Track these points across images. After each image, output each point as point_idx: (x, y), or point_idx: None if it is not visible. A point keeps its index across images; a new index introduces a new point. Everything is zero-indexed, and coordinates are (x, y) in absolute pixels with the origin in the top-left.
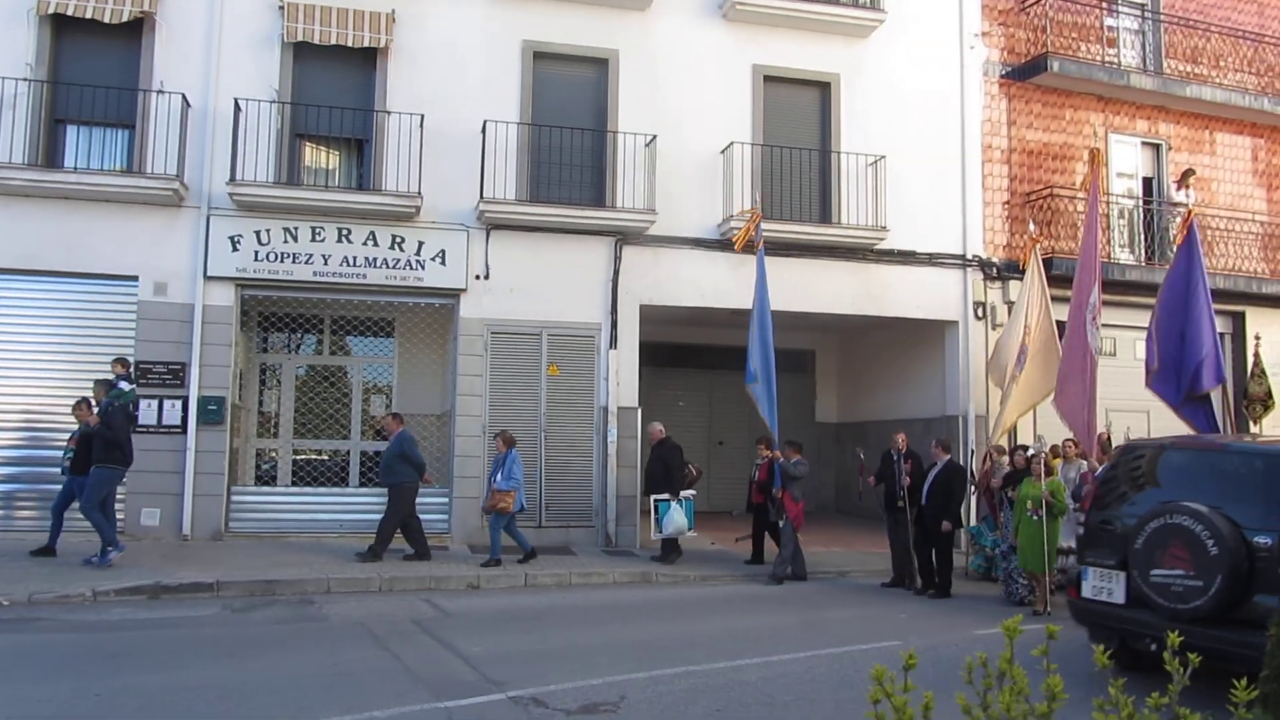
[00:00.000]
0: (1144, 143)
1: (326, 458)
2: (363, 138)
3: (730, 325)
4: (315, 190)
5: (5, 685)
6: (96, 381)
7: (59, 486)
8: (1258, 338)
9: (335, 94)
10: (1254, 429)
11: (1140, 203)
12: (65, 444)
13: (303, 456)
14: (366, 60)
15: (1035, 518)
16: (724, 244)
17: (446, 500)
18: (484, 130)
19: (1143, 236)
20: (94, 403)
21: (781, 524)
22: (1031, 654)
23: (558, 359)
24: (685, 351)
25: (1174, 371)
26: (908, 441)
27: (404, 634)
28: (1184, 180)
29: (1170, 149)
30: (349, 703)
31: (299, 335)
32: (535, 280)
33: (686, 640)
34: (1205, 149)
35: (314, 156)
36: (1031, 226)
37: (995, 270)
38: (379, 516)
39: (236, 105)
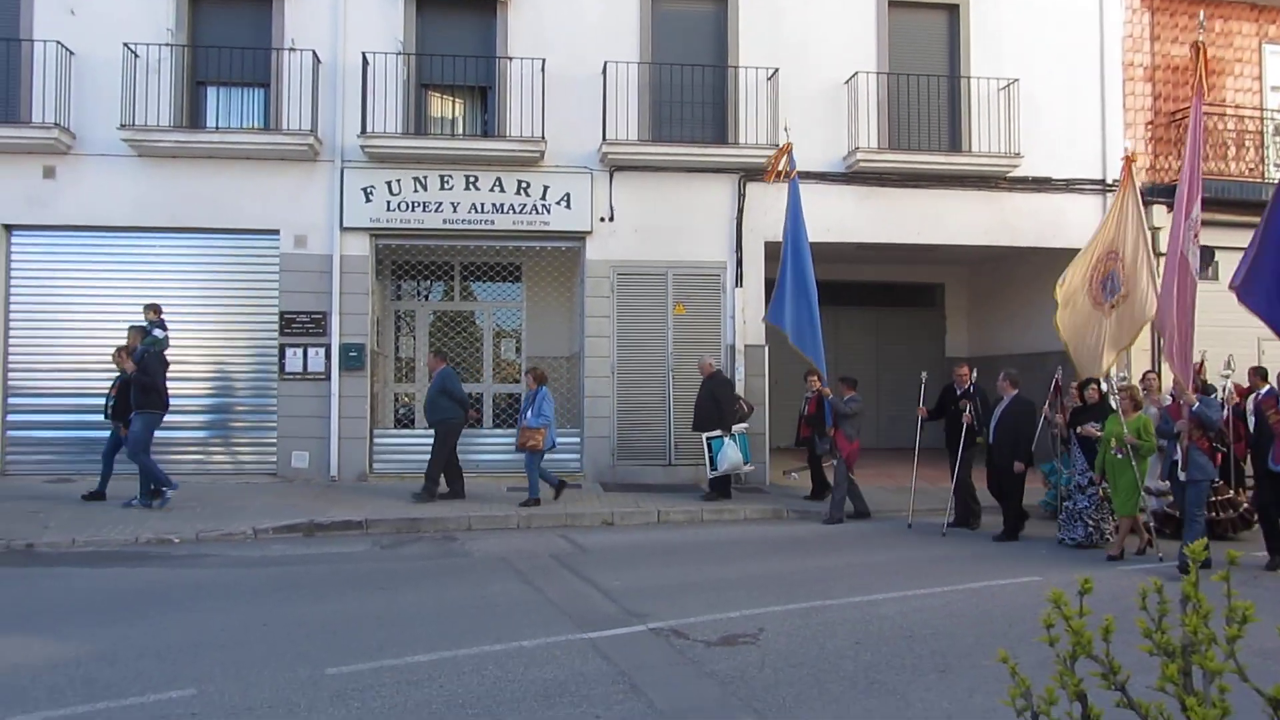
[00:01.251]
0: None
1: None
2: (486, 85)
3: (857, 260)
4: (442, 139)
5: (183, 615)
6: (132, 328)
7: (210, 434)
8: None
9: (458, 43)
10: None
11: None
12: (107, 391)
13: None
14: (487, 8)
15: (1120, 457)
16: (849, 177)
17: (579, 440)
18: (604, 72)
19: None
20: (130, 350)
21: (835, 464)
22: (1212, 579)
23: (684, 298)
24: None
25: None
26: (970, 376)
27: (545, 568)
28: None
29: None
30: (498, 633)
31: (430, 282)
32: (660, 220)
33: (820, 574)
34: None
35: (440, 106)
36: (1127, 144)
37: (1140, 195)
38: (515, 457)
39: (364, 59)
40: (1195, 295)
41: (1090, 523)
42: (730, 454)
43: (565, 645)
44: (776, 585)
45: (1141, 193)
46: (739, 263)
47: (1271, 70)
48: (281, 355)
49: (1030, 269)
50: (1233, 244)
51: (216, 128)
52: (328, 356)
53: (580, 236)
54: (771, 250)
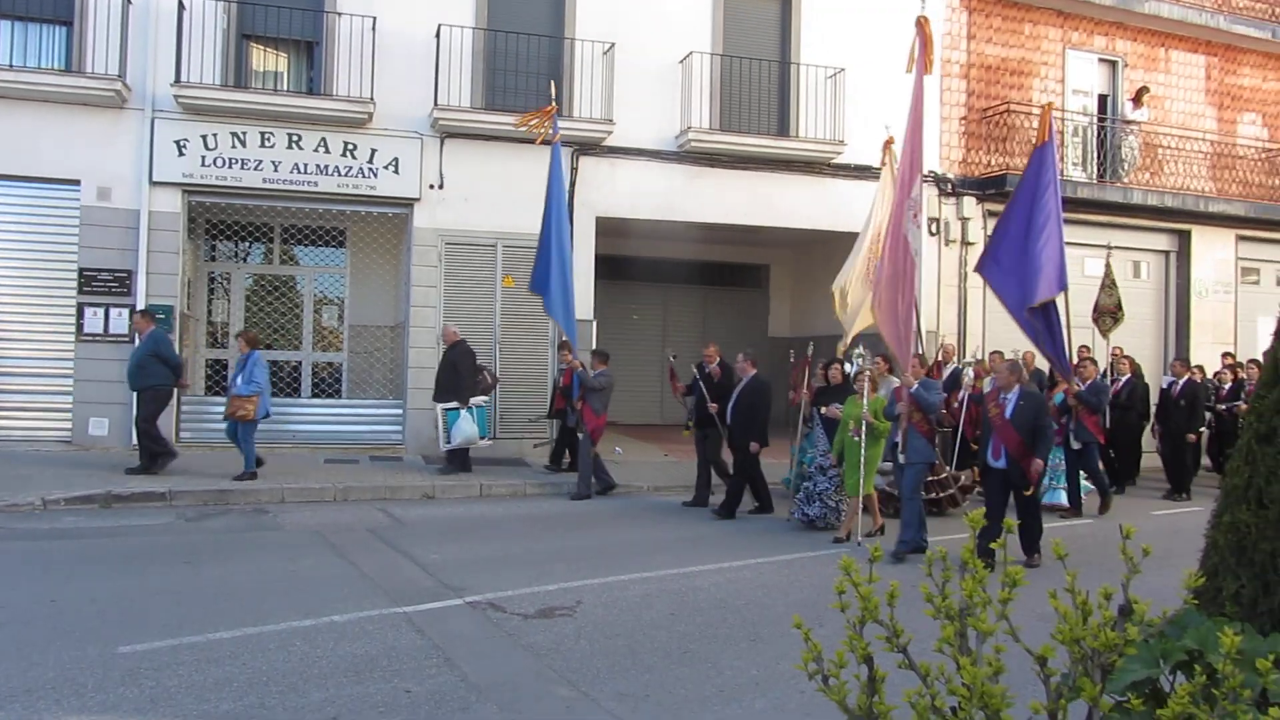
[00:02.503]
0: (1101, 59)
1: (277, 369)
2: (313, 40)
3: (687, 239)
4: (264, 94)
5: None
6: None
7: None
8: (1109, 248)
9: None
10: (1103, 342)
11: (1095, 120)
12: None
13: None
14: None
15: (856, 439)
16: (681, 156)
17: (400, 412)
18: (438, 35)
19: (1096, 154)
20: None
21: (580, 436)
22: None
23: (513, 270)
24: (641, 264)
25: (1016, 278)
26: (719, 354)
27: (361, 542)
28: (1139, 98)
29: (1126, 66)
30: (308, 607)
31: (248, 244)
32: (491, 190)
33: (642, 546)
34: (1160, 67)
35: (262, 59)
36: (886, 127)
37: (951, 186)
38: (333, 427)
39: (180, 3)
40: (916, 276)
41: (831, 503)
42: (465, 428)
43: (378, 620)
44: (597, 558)
45: (953, 184)
46: (570, 236)
47: (1073, 74)
48: (80, 315)
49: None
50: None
51: (10, 65)
52: (131, 318)
53: (408, 203)
54: (603, 225)
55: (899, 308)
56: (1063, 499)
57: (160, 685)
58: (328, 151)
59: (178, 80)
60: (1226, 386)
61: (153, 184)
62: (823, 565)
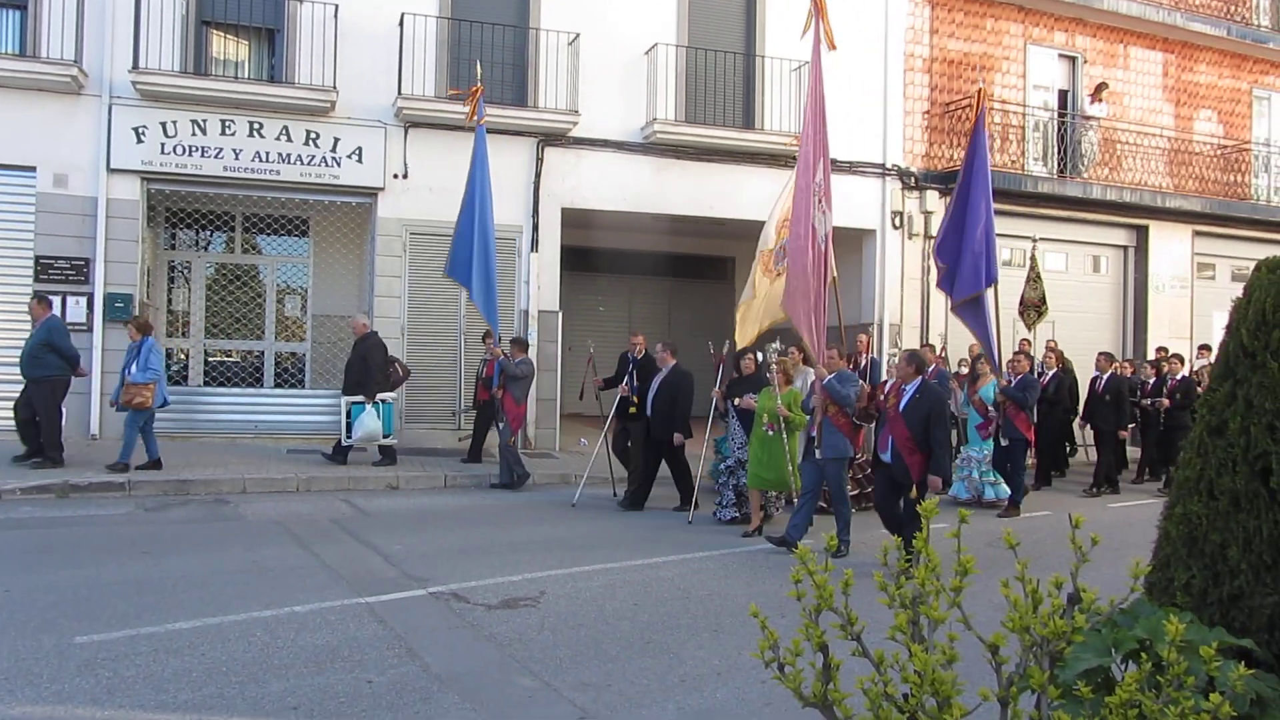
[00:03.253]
0: (1061, 55)
1: (239, 359)
2: (274, 27)
3: (653, 230)
4: (224, 81)
5: None
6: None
7: None
8: (1034, 240)
9: None
10: (1028, 335)
11: (1055, 115)
12: None
13: (215, 358)
14: None
15: (771, 433)
16: (647, 148)
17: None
18: (401, 23)
19: (1056, 149)
20: None
21: (500, 426)
22: (945, 535)
23: None
24: (607, 256)
25: (953, 271)
26: (645, 344)
27: (323, 532)
28: (1098, 94)
29: (1086, 62)
30: (269, 598)
31: (209, 233)
32: (455, 180)
33: (607, 537)
34: (1119, 63)
35: (223, 46)
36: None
37: (914, 180)
38: (296, 418)
39: None
40: (826, 263)
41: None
42: (368, 423)
43: (340, 610)
44: (560, 549)
45: (916, 178)
46: (535, 228)
47: (1034, 69)
48: (58, 307)
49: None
50: (996, 230)
51: None
52: (90, 306)
53: (372, 193)
54: (569, 217)
55: (811, 298)
56: (1001, 494)
57: (117, 676)
58: (290, 140)
59: (136, 66)
60: (1151, 381)
61: (110, 171)
62: (786, 556)
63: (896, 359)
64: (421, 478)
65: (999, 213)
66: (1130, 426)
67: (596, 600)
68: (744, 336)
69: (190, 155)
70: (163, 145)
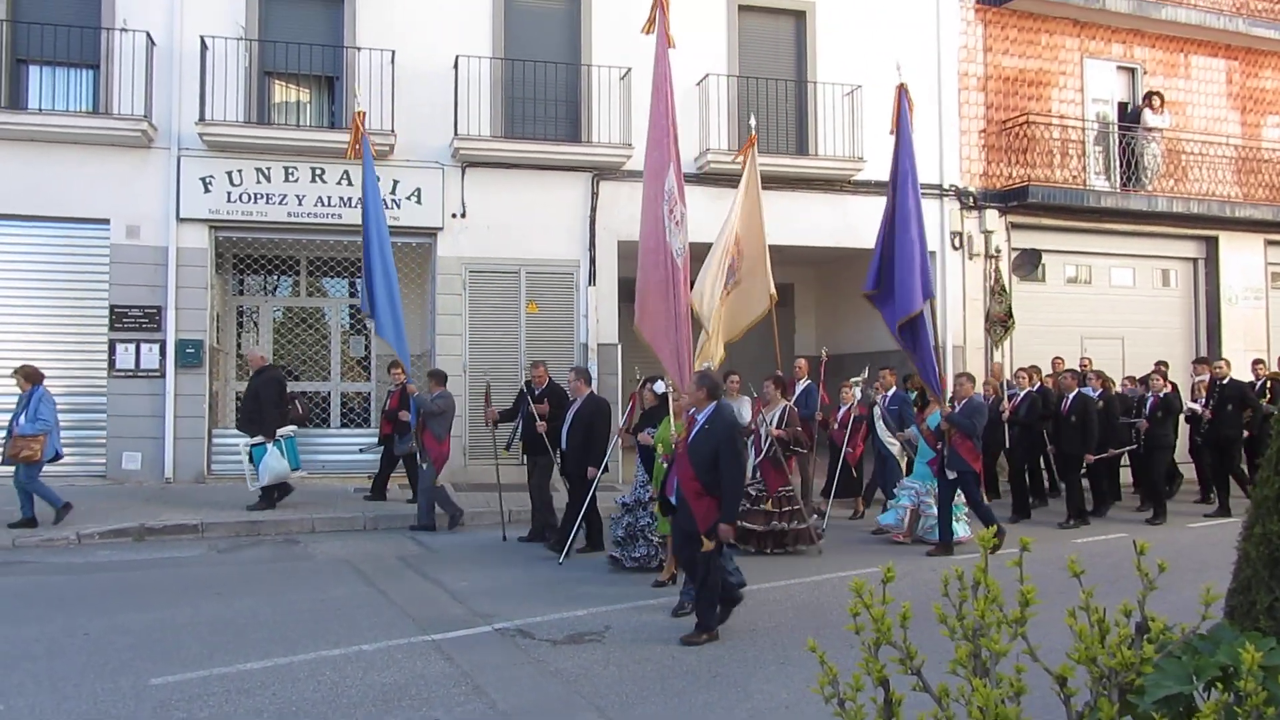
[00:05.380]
0: (1119, 67)
1: (307, 399)
2: (333, 75)
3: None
4: (286, 129)
5: None
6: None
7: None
8: (997, 252)
9: (303, 30)
10: (996, 352)
11: (1116, 128)
12: None
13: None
14: None
15: (667, 465)
16: (701, 178)
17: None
18: (456, 65)
19: (1118, 162)
20: None
21: (424, 467)
22: (1007, 564)
23: (536, 297)
24: None
25: (888, 293)
26: (547, 376)
27: (390, 570)
28: (1149, 102)
29: (1145, 73)
30: (337, 637)
31: (275, 277)
32: (512, 218)
33: None
34: (1180, 72)
35: (284, 94)
36: (752, 121)
37: (972, 200)
38: (363, 457)
39: (203, 43)
40: (682, 279)
41: (656, 539)
42: (272, 464)
43: (407, 648)
44: (625, 583)
45: (975, 198)
46: (592, 261)
47: (1091, 82)
48: (111, 351)
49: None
50: (1058, 247)
51: (40, 109)
52: (163, 353)
53: (432, 233)
54: (625, 249)
55: (669, 318)
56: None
57: (191, 716)
58: (351, 184)
59: (202, 119)
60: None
61: (180, 221)
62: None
63: (859, 385)
64: (486, 514)
65: (1061, 230)
66: (1126, 450)
67: (662, 634)
68: (714, 352)
69: (255, 202)
70: (229, 194)
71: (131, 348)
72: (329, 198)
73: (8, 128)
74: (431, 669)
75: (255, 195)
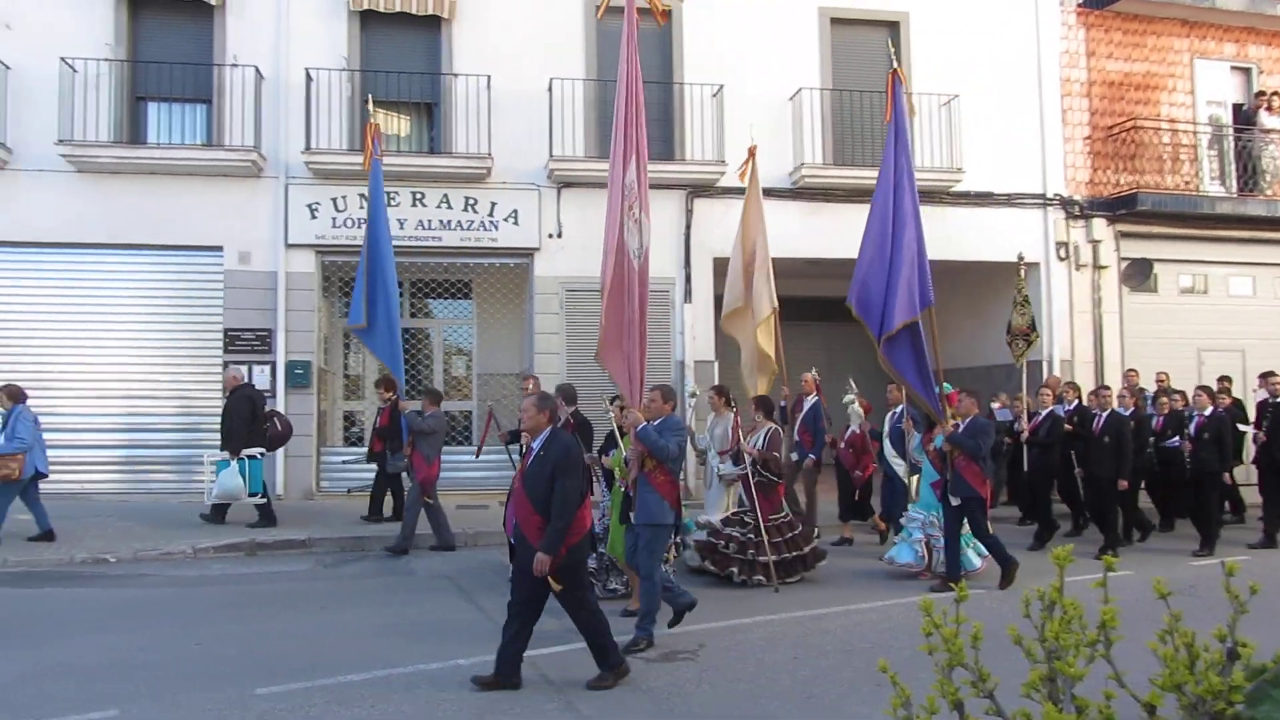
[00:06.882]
0: (1233, 67)
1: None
2: (432, 101)
3: (805, 275)
4: (388, 155)
5: (113, 636)
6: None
7: (154, 452)
8: (1020, 258)
9: (403, 59)
10: (1018, 366)
11: (1231, 131)
12: None
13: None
14: (431, 25)
15: (631, 493)
16: (795, 193)
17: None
18: (550, 88)
19: (1235, 166)
20: None
21: (409, 486)
22: (1090, 586)
23: None
24: None
25: (878, 300)
26: (538, 389)
27: (489, 586)
28: (1266, 104)
29: (1261, 72)
30: (435, 652)
31: None
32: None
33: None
34: None
35: (385, 123)
36: (751, 135)
37: (1078, 208)
38: (464, 474)
39: (308, 75)
40: (643, 284)
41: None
42: (225, 481)
43: None
44: (719, 600)
45: (1080, 206)
46: (688, 279)
47: (1203, 84)
48: (226, 371)
49: (975, 282)
50: (1171, 256)
51: (157, 143)
52: (273, 374)
53: (529, 253)
54: (720, 266)
55: (621, 325)
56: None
57: None
58: (450, 207)
59: (308, 148)
60: (1161, 417)
61: (288, 247)
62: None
63: (856, 401)
64: None
65: (1173, 238)
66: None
67: (756, 652)
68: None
69: (359, 227)
70: (334, 219)
71: (244, 370)
72: (429, 221)
73: (129, 161)
74: (525, 683)
75: (359, 220)
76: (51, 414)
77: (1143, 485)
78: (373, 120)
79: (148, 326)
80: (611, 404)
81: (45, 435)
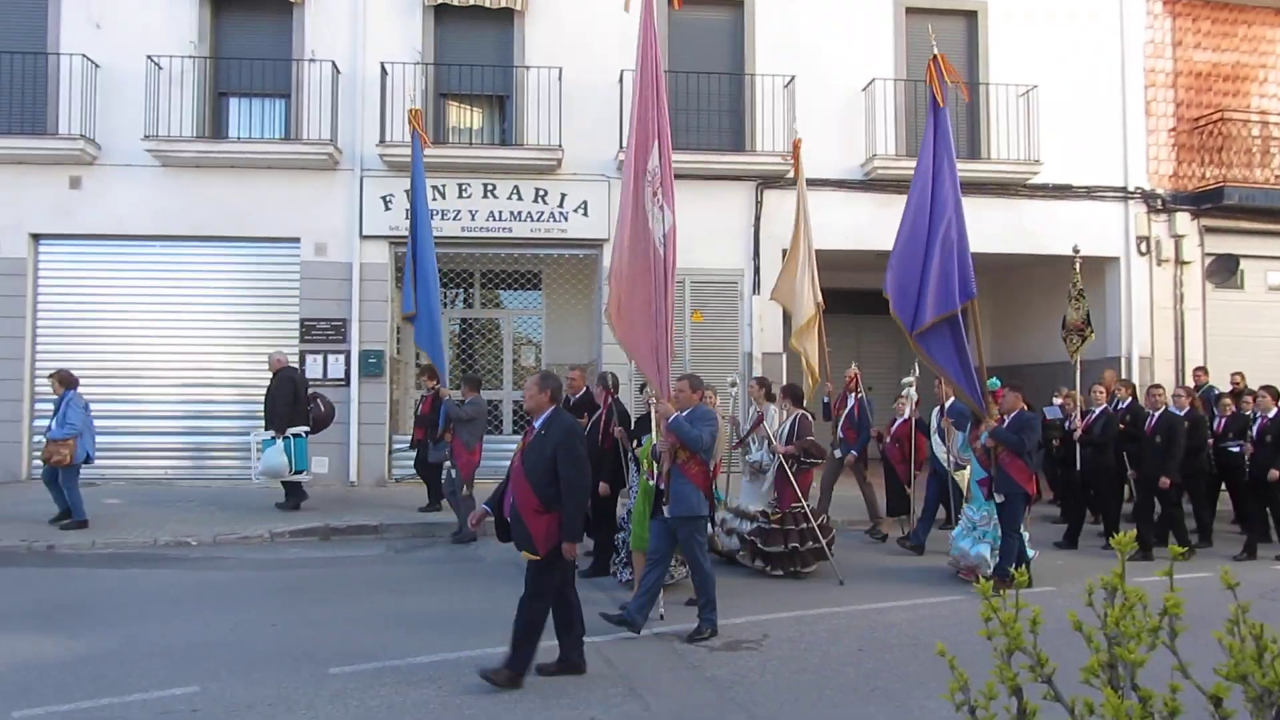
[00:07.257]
0: None
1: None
2: (504, 94)
3: (875, 268)
4: (460, 148)
5: (194, 616)
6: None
7: (235, 439)
8: (1076, 250)
9: (476, 53)
10: (1072, 362)
11: None
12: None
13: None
14: (504, 18)
15: (653, 481)
16: (867, 184)
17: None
18: (620, 80)
19: None
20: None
21: (451, 474)
22: (1155, 574)
23: (701, 306)
24: (830, 296)
25: (914, 293)
26: (584, 381)
27: None
28: None
29: None
30: (502, 636)
31: (451, 290)
32: (677, 227)
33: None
34: None
35: (458, 115)
36: (796, 127)
37: (1161, 202)
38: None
39: (383, 69)
40: (669, 271)
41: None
42: (269, 459)
43: None
44: (784, 591)
45: (1164, 200)
46: (757, 270)
47: None
48: (302, 362)
49: (1052, 277)
50: (1259, 252)
51: (238, 138)
52: (348, 363)
53: (598, 244)
54: None
55: (650, 313)
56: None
57: (364, 705)
58: (520, 199)
59: (382, 140)
60: (1224, 418)
61: (363, 238)
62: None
63: (911, 389)
64: None
65: (1261, 233)
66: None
67: (821, 645)
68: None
69: (431, 218)
70: (406, 211)
71: (320, 358)
72: (500, 212)
73: (210, 156)
74: (591, 670)
75: (431, 211)
76: (135, 401)
77: (1222, 487)
78: (415, 107)
79: (227, 317)
80: (642, 391)
81: (127, 423)
